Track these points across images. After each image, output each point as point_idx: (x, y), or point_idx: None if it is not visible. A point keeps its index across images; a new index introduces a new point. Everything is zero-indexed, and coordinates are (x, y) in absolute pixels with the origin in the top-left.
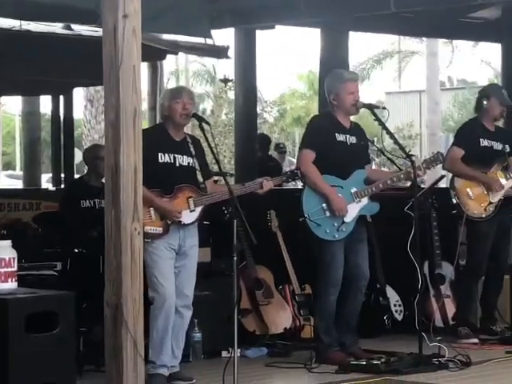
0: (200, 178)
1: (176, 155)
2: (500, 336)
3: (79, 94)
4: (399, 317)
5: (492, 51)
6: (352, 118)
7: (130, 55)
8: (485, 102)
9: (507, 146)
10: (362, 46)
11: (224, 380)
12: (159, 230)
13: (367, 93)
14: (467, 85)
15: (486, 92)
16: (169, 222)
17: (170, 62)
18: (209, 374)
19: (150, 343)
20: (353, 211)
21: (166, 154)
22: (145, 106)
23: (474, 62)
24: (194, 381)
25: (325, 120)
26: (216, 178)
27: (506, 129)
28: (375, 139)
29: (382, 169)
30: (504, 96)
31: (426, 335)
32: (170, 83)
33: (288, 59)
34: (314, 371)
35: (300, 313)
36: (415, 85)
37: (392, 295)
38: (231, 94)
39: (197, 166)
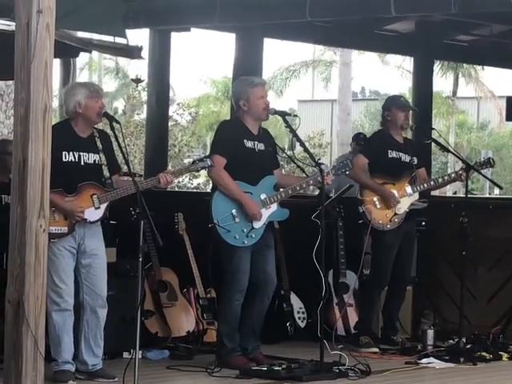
0: (107, 173)
1: (81, 153)
2: (400, 347)
3: None
4: (302, 324)
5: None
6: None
7: (42, 51)
8: (386, 113)
9: (415, 159)
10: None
11: (124, 381)
12: (64, 229)
13: (280, 100)
14: (379, 96)
15: (385, 105)
16: (73, 222)
17: (84, 56)
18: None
19: (50, 340)
20: (262, 217)
21: (71, 153)
22: (56, 102)
23: (387, 73)
24: (116, 379)
25: (234, 126)
26: (125, 178)
27: (415, 141)
28: (286, 146)
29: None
30: (402, 101)
31: (327, 343)
32: (81, 78)
33: (204, 63)
34: (216, 375)
35: (204, 316)
36: (328, 94)
37: (296, 302)
38: (145, 95)
39: (104, 162)
